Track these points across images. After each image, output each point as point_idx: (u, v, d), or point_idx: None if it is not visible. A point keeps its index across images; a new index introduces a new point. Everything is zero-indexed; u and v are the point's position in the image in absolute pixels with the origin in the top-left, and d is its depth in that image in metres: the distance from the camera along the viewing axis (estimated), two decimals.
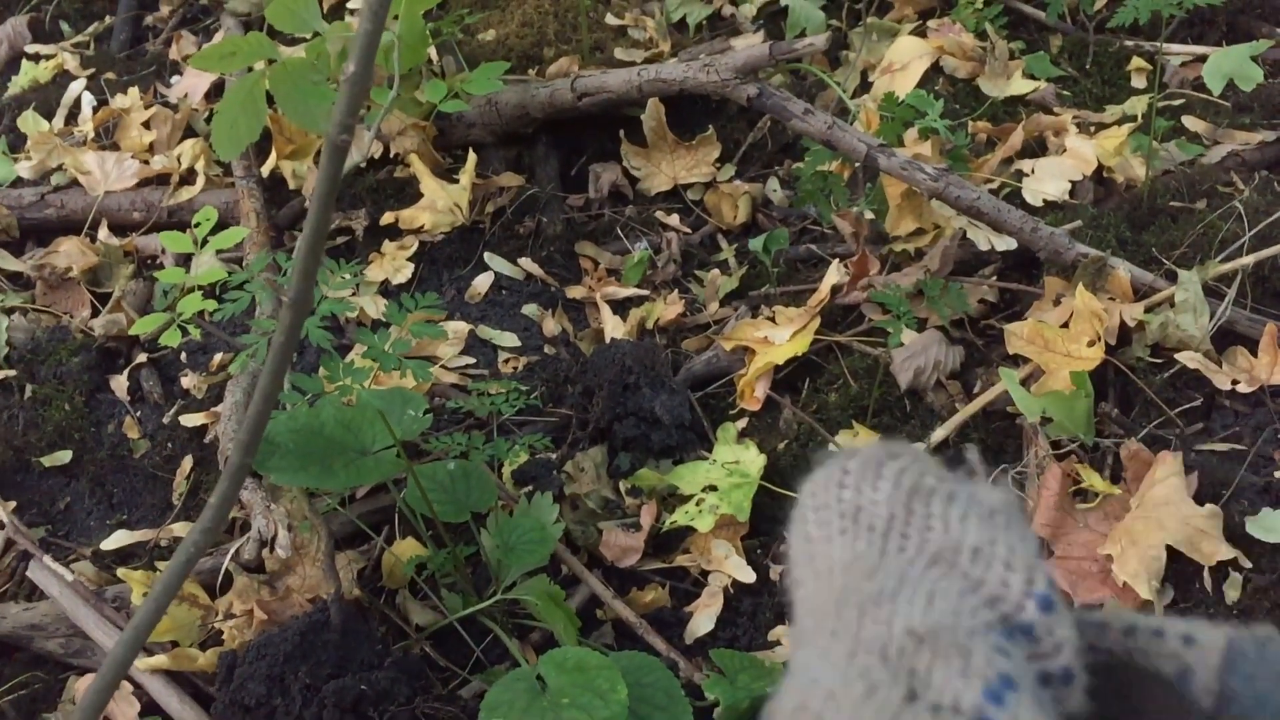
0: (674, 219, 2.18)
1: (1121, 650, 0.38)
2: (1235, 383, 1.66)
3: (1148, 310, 1.72)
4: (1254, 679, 0.36)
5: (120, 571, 1.66)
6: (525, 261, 2.09)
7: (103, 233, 2.21)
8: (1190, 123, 2.15)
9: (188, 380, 1.94)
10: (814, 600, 0.37)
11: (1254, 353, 1.68)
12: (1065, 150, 2.06)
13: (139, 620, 0.79)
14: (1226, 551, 1.45)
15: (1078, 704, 0.35)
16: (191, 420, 1.87)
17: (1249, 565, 1.46)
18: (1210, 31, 2.36)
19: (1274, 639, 0.37)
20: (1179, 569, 1.48)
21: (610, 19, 2.41)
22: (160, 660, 1.52)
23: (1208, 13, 2.32)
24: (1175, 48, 2.30)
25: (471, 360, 1.94)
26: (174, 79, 2.55)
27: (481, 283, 2.06)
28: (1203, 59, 2.05)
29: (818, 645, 0.35)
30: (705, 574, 1.65)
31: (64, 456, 1.88)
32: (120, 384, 1.97)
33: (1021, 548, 0.37)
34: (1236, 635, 0.37)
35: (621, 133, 2.22)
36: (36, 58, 2.68)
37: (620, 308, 2.04)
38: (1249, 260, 1.76)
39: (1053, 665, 0.34)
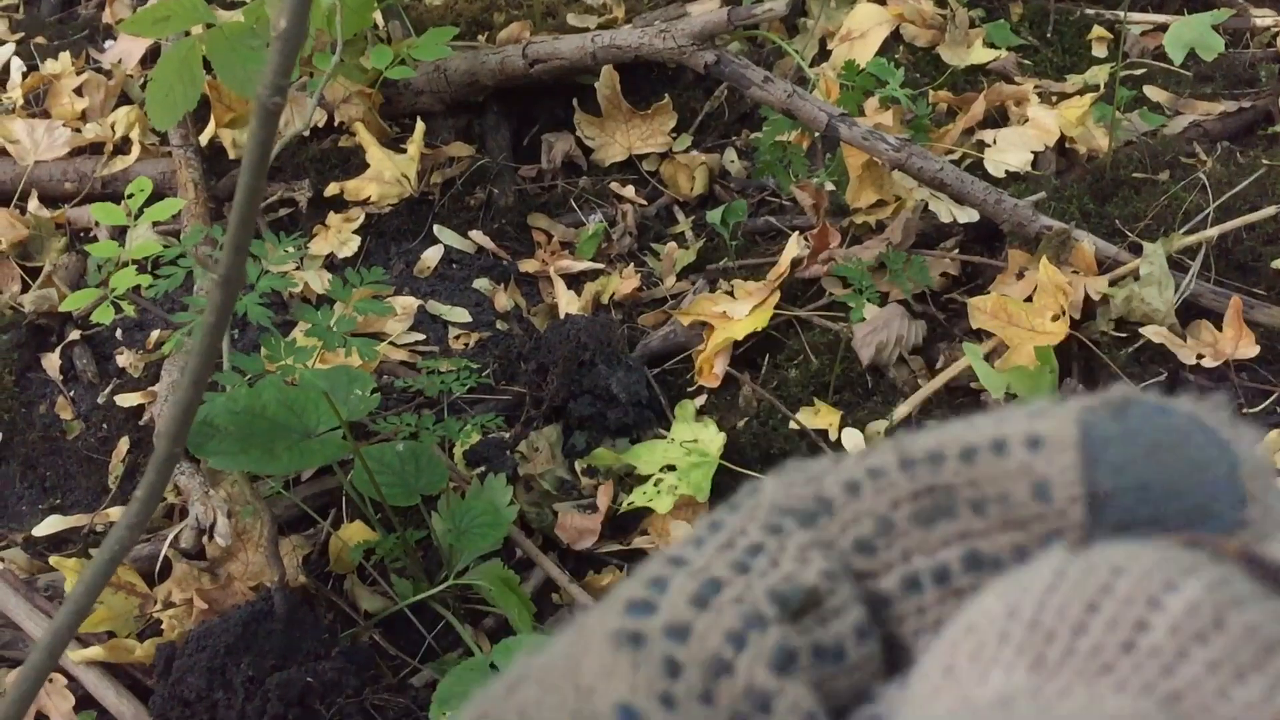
0: (629, 190, 2.12)
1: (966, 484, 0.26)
2: (1200, 357, 1.63)
3: (1112, 284, 1.69)
4: (1123, 466, 0.26)
5: (53, 559, 1.58)
6: (476, 234, 2.03)
7: (33, 204, 2.11)
8: (1152, 92, 2.12)
9: (123, 358, 1.86)
10: None
11: (1218, 326, 1.66)
12: (1027, 120, 2.03)
13: (58, 624, 0.74)
14: None
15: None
16: (127, 400, 1.79)
17: None
18: (1171, 0, 2.34)
19: (1131, 402, 0.27)
20: None
21: None
22: (95, 652, 1.45)
23: None
24: (1136, 16, 2.27)
25: (421, 337, 1.88)
26: (108, 44, 2.45)
27: (431, 256, 1.99)
28: (1164, 28, 2.02)
29: None
30: None
31: None
32: (52, 362, 1.88)
33: None
34: (1088, 413, 0.26)
35: (575, 101, 2.15)
36: None
37: (575, 282, 1.98)
38: (1213, 232, 1.74)
39: None
